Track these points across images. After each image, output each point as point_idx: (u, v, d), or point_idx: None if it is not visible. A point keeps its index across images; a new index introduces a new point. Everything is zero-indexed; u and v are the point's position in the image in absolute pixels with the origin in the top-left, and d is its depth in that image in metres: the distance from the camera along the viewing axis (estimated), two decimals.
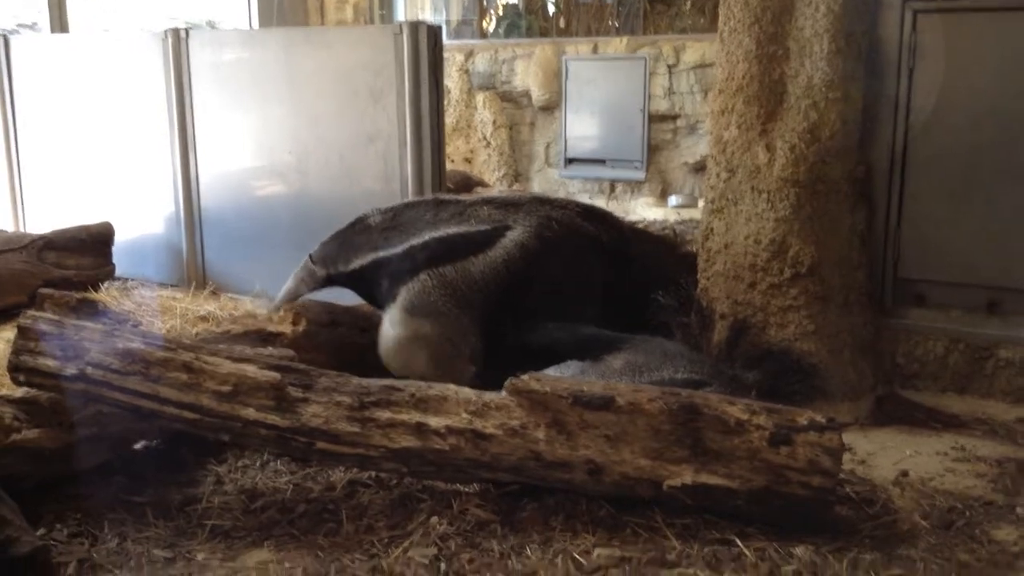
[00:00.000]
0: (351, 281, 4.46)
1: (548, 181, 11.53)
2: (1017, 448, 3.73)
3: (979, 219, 3.99)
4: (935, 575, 2.79)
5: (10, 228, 7.24)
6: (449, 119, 11.68)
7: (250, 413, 3.02)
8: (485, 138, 11.59)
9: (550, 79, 11.26)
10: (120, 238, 6.53)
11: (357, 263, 4.37)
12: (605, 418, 3.01)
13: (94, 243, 6.30)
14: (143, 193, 6.65)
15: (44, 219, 7.01)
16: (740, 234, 3.98)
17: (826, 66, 3.83)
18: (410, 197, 5.18)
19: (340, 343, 4.18)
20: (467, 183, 10.15)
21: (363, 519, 3.12)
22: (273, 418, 3.02)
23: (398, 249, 4.28)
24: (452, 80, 11.63)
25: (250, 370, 3.05)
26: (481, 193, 5.33)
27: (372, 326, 4.34)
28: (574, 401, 3.02)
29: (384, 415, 3.05)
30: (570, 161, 11.48)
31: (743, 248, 3.97)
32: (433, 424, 3.04)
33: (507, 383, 3.10)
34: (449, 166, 11.43)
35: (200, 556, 2.95)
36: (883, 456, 3.68)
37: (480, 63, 11.58)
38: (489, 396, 3.11)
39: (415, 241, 4.26)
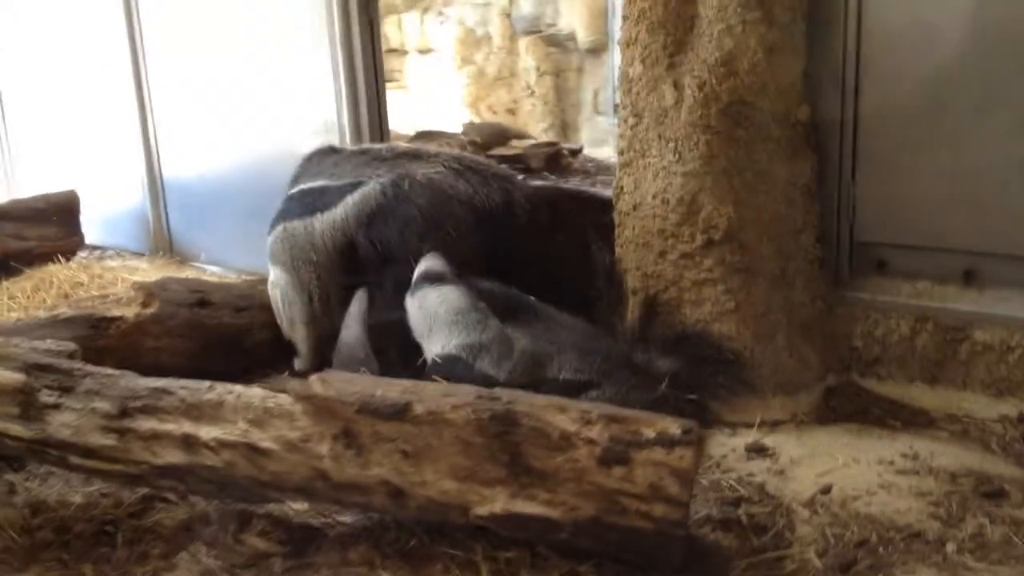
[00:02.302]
0: None
1: (596, 130, 10.74)
2: (987, 456, 2.95)
3: (953, 169, 3.12)
4: None
5: None
6: (491, 68, 11.06)
7: None
8: (529, 87, 10.88)
9: (596, 19, 10.42)
10: (96, 207, 6.30)
11: None
12: (402, 429, 2.44)
13: (57, 212, 6.05)
14: (109, 158, 6.37)
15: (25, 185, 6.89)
16: (648, 192, 3.26)
17: None
18: None
19: (206, 325, 3.68)
20: (503, 136, 9.48)
21: (141, 544, 2.67)
22: (16, 428, 2.59)
23: (279, 204, 4.03)
24: (494, 26, 10.98)
25: None
26: (396, 143, 4.77)
27: (254, 304, 3.87)
28: (361, 409, 2.46)
29: (147, 424, 2.57)
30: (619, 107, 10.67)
31: (651, 209, 3.25)
32: (203, 436, 2.54)
33: (289, 385, 2.58)
34: (490, 118, 10.85)
35: None
36: (809, 465, 2.96)
37: (525, 5, 10.85)
38: (274, 401, 2.58)
39: (288, 192, 4.00)
